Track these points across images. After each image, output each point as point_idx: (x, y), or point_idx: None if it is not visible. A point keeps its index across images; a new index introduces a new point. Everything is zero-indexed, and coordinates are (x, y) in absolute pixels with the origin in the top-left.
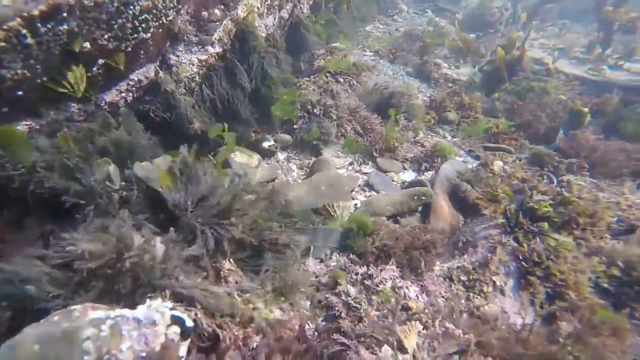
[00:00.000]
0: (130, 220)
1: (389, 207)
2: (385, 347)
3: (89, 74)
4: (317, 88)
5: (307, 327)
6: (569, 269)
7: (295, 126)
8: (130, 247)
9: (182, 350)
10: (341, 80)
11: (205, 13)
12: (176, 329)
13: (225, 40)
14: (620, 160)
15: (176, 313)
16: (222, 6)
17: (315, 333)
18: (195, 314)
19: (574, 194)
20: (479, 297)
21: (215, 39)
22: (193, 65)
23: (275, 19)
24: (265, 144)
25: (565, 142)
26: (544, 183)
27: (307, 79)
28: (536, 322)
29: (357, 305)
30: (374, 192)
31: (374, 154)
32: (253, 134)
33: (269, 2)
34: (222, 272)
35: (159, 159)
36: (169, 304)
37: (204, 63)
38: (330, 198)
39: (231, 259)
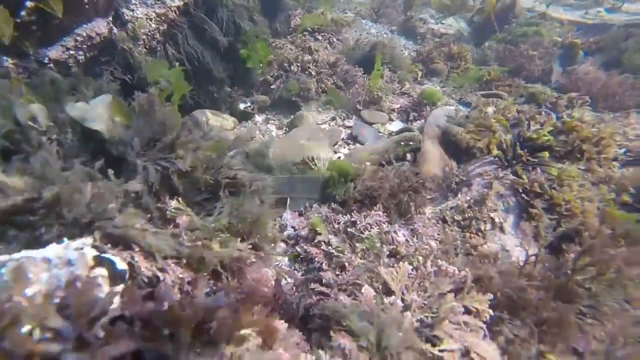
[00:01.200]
0: (56, 157)
1: (374, 156)
2: (366, 288)
3: (18, 20)
4: (294, 47)
5: (284, 282)
6: (574, 197)
7: (272, 86)
8: (52, 182)
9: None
10: (320, 37)
11: None
12: (102, 271)
13: None
14: (623, 93)
15: (104, 255)
16: None
17: (293, 288)
18: (132, 257)
19: (576, 119)
20: (476, 236)
21: None
22: (151, 20)
23: None
24: (242, 106)
25: (565, 77)
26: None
27: (285, 39)
28: (541, 254)
29: (339, 254)
30: (358, 145)
31: (358, 107)
32: (229, 97)
33: None
34: (167, 212)
35: (97, 98)
36: (88, 241)
37: (163, 18)
38: (310, 151)
39: (180, 199)
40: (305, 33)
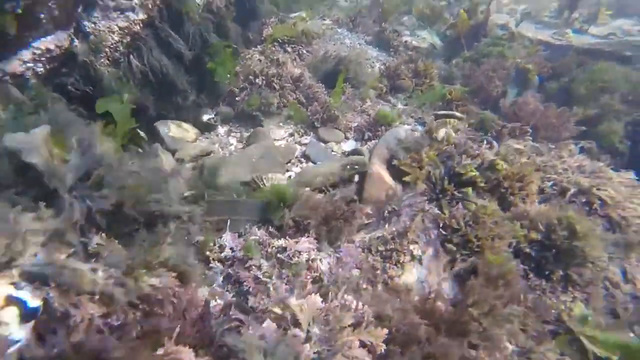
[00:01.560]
0: None
1: (320, 178)
2: (268, 322)
3: None
4: (263, 58)
5: (213, 303)
6: (486, 234)
7: (237, 98)
8: None
9: (19, 333)
10: (289, 49)
11: None
12: (12, 310)
13: (150, 6)
14: (561, 124)
15: (15, 293)
16: None
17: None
18: (48, 293)
19: (504, 156)
20: (395, 267)
21: (136, 4)
22: (113, 33)
23: None
24: (205, 117)
25: (509, 107)
26: (483, 147)
27: (254, 48)
28: (444, 287)
29: (266, 279)
30: (311, 163)
31: (315, 124)
32: (193, 107)
33: None
34: (90, 247)
35: (37, 129)
36: (3, 280)
37: (126, 30)
38: (261, 170)
39: (104, 234)
40: (275, 44)
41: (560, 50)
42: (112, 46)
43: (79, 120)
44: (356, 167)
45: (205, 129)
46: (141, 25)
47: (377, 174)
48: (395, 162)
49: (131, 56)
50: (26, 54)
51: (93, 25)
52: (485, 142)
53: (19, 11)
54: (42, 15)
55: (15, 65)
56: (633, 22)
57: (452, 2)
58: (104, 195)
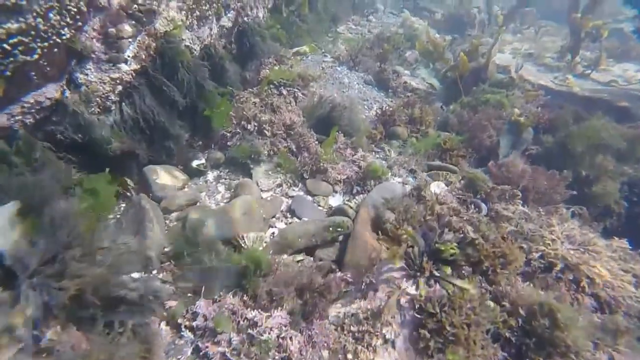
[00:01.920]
0: None
1: (302, 240)
2: None
3: None
4: (258, 101)
5: None
6: (461, 321)
7: (228, 143)
8: None
9: None
10: (285, 92)
11: (112, 30)
12: None
13: (144, 57)
14: (551, 188)
15: None
16: (133, 22)
17: None
18: None
19: (484, 232)
20: (366, 350)
21: (129, 56)
22: (105, 83)
23: (212, 30)
24: (195, 163)
25: (496, 168)
26: (470, 212)
27: (250, 90)
28: None
29: (232, 358)
30: (296, 219)
31: (304, 175)
32: (185, 152)
33: (198, 13)
34: (42, 342)
35: (4, 207)
36: None
37: (117, 81)
38: (243, 227)
39: (59, 327)
40: (271, 86)
41: (561, 96)
42: (103, 95)
43: (57, 194)
44: (339, 229)
45: (195, 174)
46: (134, 74)
47: (361, 237)
48: (382, 225)
49: (123, 104)
50: (15, 109)
51: (85, 76)
52: (473, 205)
53: (8, 74)
54: (33, 74)
55: (2, 120)
56: (636, 67)
57: (457, 37)
58: (64, 286)
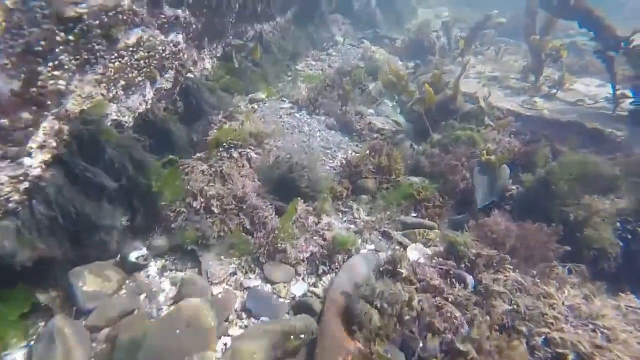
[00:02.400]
0: None
1: (258, 355)
2: None
3: None
4: (207, 168)
5: None
6: None
7: (173, 225)
8: None
9: None
10: (236, 154)
11: (5, 121)
12: None
13: (55, 144)
14: (542, 245)
15: None
16: (34, 107)
17: None
18: None
19: (477, 338)
20: None
21: (33, 147)
22: (2, 184)
23: (147, 96)
24: (134, 255)
25: (477, 229)
26: (456, 291)
27: (199, 155)
28: None
29: None
30: (253, 320)
31: (261, 259)
32: (120, 243)
33: (124, 82)
34: None
35: None
36: None
37: (21, 178)
38: (186, 348)
39: None
40: (221, 149)
41: (531, 121)
42: (3, 197)
43: None
44: (302, 336)
45: (135, 269)
46: (44, 166)
47: (331, 339)
48: (356, 320)
49: (34, 202)
50: None
51: None
52: (457, 280)
53: None
54: None
55: None
56: (598, 82)
57: (420, 63)
58: None
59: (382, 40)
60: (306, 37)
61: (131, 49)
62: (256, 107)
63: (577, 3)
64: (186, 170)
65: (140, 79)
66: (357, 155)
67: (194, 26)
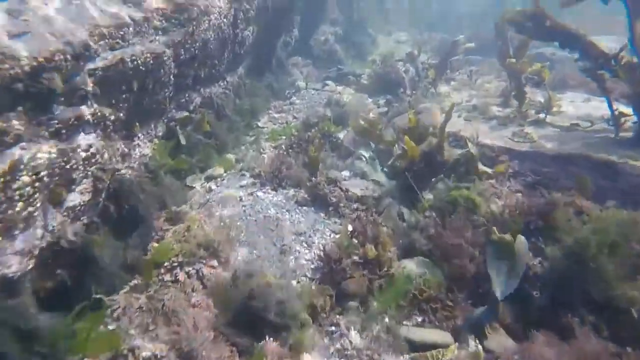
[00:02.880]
0: None
1: None
2: None
3: None
4: (145, 302)
5: None
6: None
7: None
8: None
9: None
10: (183, 275)
11: None
12: None
13: None
14: None
15: None
16: None
17: None
18: None
19: None
20: None
21: None
22: None
23: (49, 224)
24: None
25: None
26: None
27: (134, 283)
28: None
29: None
30: None
31: None
32: None
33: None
34: None
35: None
36: None
37: None
38: None
39: None
40: (162, 270)
41: (528, 157)
42: None
43: None
44: None
45: None
46: None
47: None
48: None
49: None
50: None
51: None
52: None
53: None
54: None
55: None
56: (581, 97)
57: (390, 98)
58: None
59: (347, 77)
60: (266, 88)
61: (2, 179)
62: (213, 186)
63: (553, 23)
64: (115, 314)
65: (30, 209)
66: (337, 237)
67: (113, 117)
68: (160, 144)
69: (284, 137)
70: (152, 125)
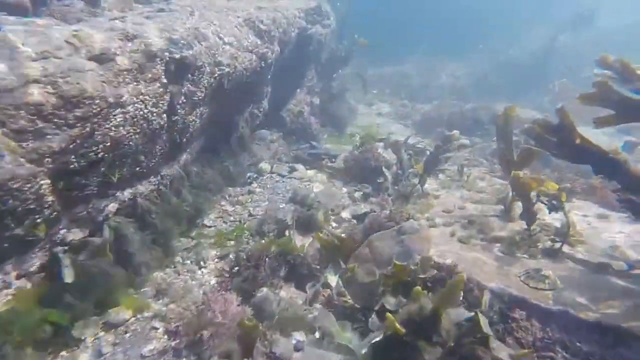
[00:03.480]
0: None
1: None
2: None
3: None
4: None
5: None
6: None
7: None
8: None
9: None
10: None
11: None
12: None
13: None
14: None
15: None
16: None
17: None
18: None
19: None
20: None
21: None
22: None
23: None
24: None
25: None
26: None
27: None
28: None
29: None
30: None
31: None
32: None
33: None
34: None
35: None
36: None
37: None
38: None
39: None
40: None
41: (550, 319)
42: None
43: None
44: None
45: None
46: None
47: None
48: None
49: None
50: None
51: None
52: None
53: None
54: None
55: None
56: (598, 212)
57: (368, 189)
58: None
59: (320, 158)
60: (220, 174)
61: None
62: (106, 348)
63: (584, 142)
64: None
65: None
66: None
67: None
68: (37, 284)
69: (233, 242)
70: (25, 261)
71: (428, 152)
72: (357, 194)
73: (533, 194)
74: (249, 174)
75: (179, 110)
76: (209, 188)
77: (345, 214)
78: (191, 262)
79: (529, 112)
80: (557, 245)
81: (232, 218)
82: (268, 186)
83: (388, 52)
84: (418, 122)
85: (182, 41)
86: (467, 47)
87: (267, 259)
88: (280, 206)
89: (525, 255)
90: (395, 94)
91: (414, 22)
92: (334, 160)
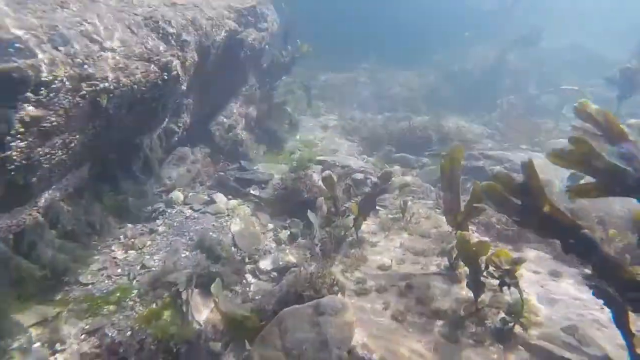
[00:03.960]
0: None
1: None
2: None
3: None
4: None
5: None
6: None
7: None
8: None
9: None
10: None
11: None
12: None
13: None
14: None
15: None
16: None
17: None
18: None
19: None
20: None
21: None
22: None
23: None
24: None
25: None
26: None
27: None
28: None
29: None
30: None
31: None
32: None
33: None
34: None
35: None
36: None
37: None
38: None
39: None
40: None
41: None
42: None
43: None
44: None
45: None
46: None
47: None
48: None
49: None
50: None
51: None
52: None
53: None
54: None
55: None
56: (551, 267)
57: (297, 232)
58: None
59: (248, 183)
60: (113, 209)
61: None
62: None
63: (554, 212)
64: None
65: None
66: None
67: None
68: None
69: (111, 307)
70: None
71: (369, 181)
72: (284, 234)
73: (482, 259)
74: (156, 206)
75: (11, 144)
76: (91, 232)
77: (264, 264)
78: (42, 344)
79: (478, 128)
80: (508, 325)
81: (119, 270)
82: (175, 224)
83: (341, 58)
84: (365, 139)
85: (16, 44)
86: (419, 58)
87: (140, 348)
88: (182, 255)
89: (471, 341)
90: (345, 103)
91: (367, 29)
92: (263, 186)
